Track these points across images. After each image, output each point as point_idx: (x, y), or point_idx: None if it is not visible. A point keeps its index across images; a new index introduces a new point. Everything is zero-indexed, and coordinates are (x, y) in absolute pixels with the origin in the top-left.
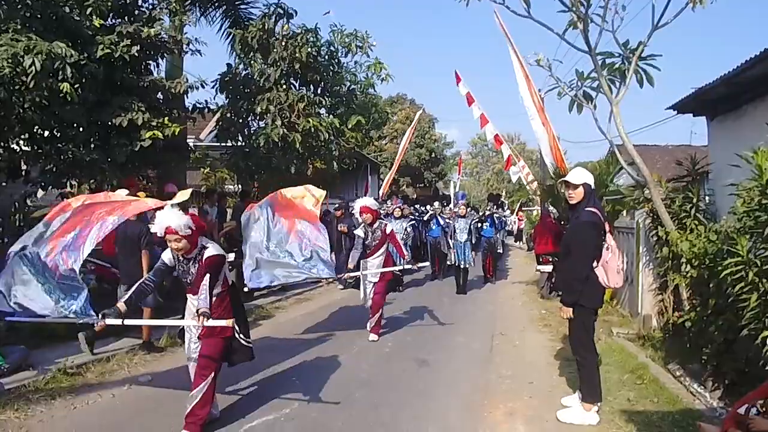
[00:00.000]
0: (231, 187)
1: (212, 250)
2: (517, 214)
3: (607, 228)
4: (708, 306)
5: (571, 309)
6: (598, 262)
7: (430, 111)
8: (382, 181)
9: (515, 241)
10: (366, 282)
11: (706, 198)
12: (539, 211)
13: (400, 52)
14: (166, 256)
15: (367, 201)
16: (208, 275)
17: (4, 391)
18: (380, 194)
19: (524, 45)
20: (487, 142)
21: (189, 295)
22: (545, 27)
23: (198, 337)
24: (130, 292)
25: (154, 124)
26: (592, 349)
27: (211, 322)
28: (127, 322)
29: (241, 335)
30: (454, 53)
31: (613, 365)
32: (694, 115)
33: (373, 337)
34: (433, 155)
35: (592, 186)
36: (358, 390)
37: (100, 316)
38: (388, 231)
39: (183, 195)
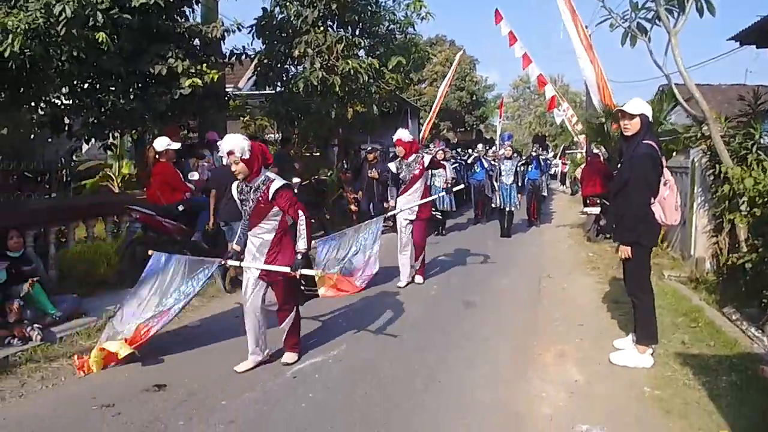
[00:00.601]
0: (271, 135)
1: (278, 182)
2: (560, 158)
3: (664, 162)
4: None
5: (629, 248)
6: (655, 198)
7: (471, 53)
8: (422, 125)
9: (560, 185)
10: (402, 223)
11: (766, 137)
12: (584, 155)
13: None
14: (234, 188)
15: (401, 133)
16: (299, 220)
17: (56, 339)
18: (421, 138)
19: None
20: (528, 84)
21: (249, 234)
22: None
23: (258, 278)
24: (239, 234)
25: (192, 71)
26: (649, 290)
27: (305, 271)
28: (244, 264)
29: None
30: None
31: (665, 308)
32: (757, 47)
33: (419, 279)
34: (474, 98)
35: (650, 118)
36: (406, 332)
37: (222, 262)
38: (426, 163)
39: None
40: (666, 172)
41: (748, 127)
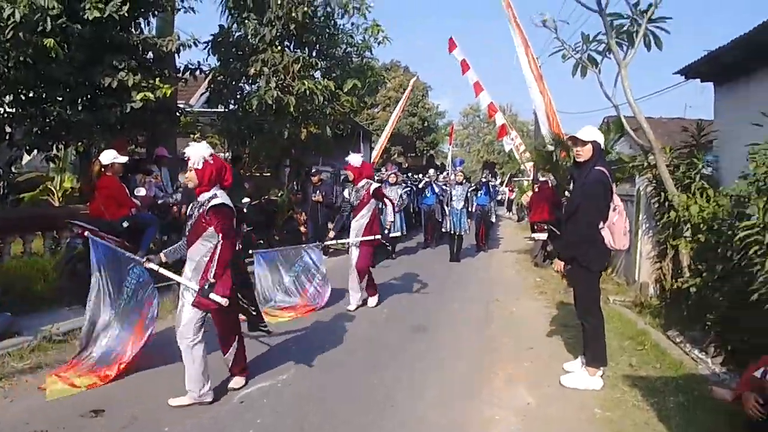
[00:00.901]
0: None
1: (219, 200)
2: (507, 185)
3: (614, 189)
4: (714, 271)
5: (562, 263)
6: (604, 223)
7: (424, 79)
8: (374, 149)
9: (506, 212)
10: (351, 247)
11: (709, 167)
12: (530, 182)
13: (392, 16)
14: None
15: (351, 158)
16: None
17: None
18: (372, 162)
19: (526, 7)
20: (478, 112)
21: (187, 254)
22: None
23: (192, 304)
24: (174, 247)
25: (145, 85)
26: (598, 314)
27: (214, 297)
28: (162, 271)
29: (245, 302)
30: (447, 20)
31: (612, 331)
32: (701, 81)
33: (371, 301)
34: (425, 124)
35: (602, 145)
36: (356, 355)
37: (144, 258)
38: (371, 190)
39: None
40: (616, 198)
41: (692, 157)
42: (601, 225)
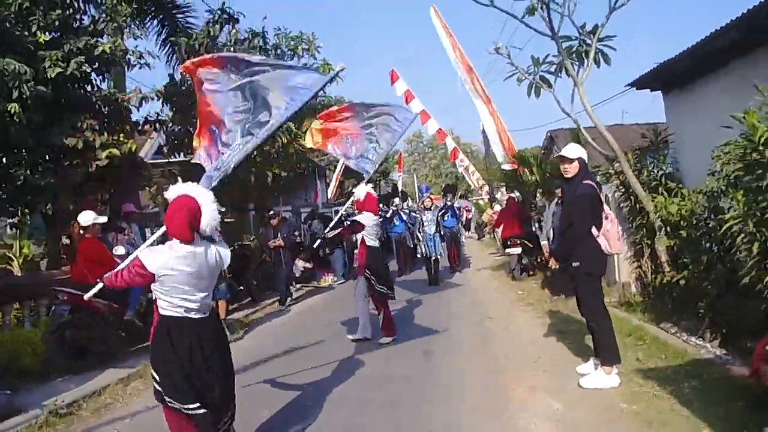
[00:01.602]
0: None
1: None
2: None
3: (603, 199)
4: (700, 263)
5: (554, 259)
6: (599, 231)
7: None
8: (329, 185)
9: (465, 231)
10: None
11: (670, 168)
12: (487, 201)
13: (333, 53)
14: None
15: (357, 190)
16: None
17: None
18: (328, 197)
19: (474, 34)
20: (421, 139)
21: None
22: (509, 14)
23: None
24: None
25: (109, 141)
26: (605, 314)
27: None
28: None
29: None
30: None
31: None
32: (651, 90)
33: (384, 339)
34: None
35: (586, 160)
36: (373, 389)
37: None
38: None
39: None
40: (606, 207)
41: (657, 159)
42: (596, 233)
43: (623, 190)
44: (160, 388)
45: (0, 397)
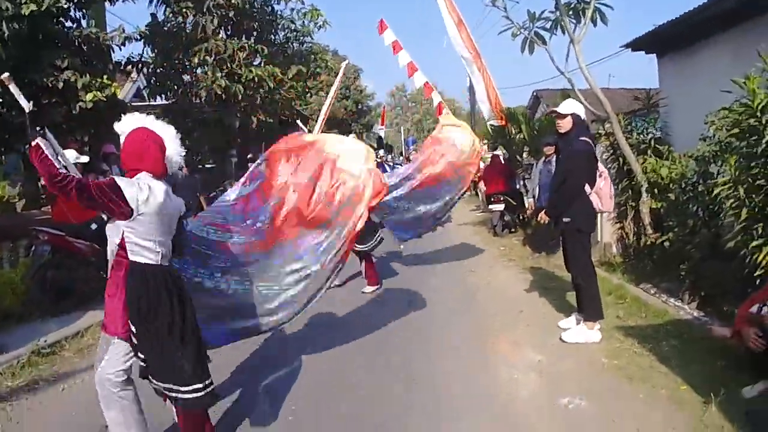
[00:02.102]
0: None
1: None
2: None
3: (597, 157)
4: (686, 226)
5: (545, 214)
6: (592, 189)
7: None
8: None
9: None
10: None
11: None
12: None
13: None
14: None
15: None
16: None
17: None
18: None
19: None
20: (404, 92)
21: None
22: None
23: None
24: None
25: (92, 82)
26: (591, 271)
27: None
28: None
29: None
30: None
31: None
32: (646, 53)
33: (368, 288)
34: (359, 107)
35: (582, 117)
36: (354, 338)
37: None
38: None
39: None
40: (600, 165)
41: (648, 122)
42: (588, 190)
43: (612, 151)
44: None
45: None
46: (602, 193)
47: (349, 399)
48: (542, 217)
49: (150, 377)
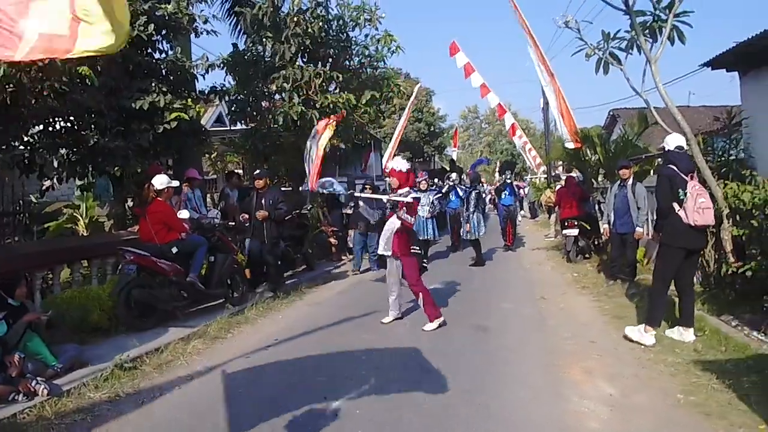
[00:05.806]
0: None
1: None
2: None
3: (687, 179)
4: None
5: (650, 234)
6: (680, 206)
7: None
8: (383, 156)
9: (520, 210)
10: (388, 257)
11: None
12: (543, 180)
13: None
14: None
15: (396, 162)
16: None
17: (63, 392)
18: (382, 170)
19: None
20: (477, 114)
21: None
22: None
23: None
24: None
25: (177, 105)
26: (663, 282)
27: None
28: None
29: None
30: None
31: (669, 319)
32: (727, 71)
33: (429, 326)
34: (431, 129)
35: (666, 147)
36: (431, 360)
37: None
38: (405, 203)
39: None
40: (689, 184)
41: (728, 143)
42: (677, 208)
43: None
44: None
45: (70, 350)
46: (687, 207)
47: (417, 422)
48: (653, 236)
49: None
